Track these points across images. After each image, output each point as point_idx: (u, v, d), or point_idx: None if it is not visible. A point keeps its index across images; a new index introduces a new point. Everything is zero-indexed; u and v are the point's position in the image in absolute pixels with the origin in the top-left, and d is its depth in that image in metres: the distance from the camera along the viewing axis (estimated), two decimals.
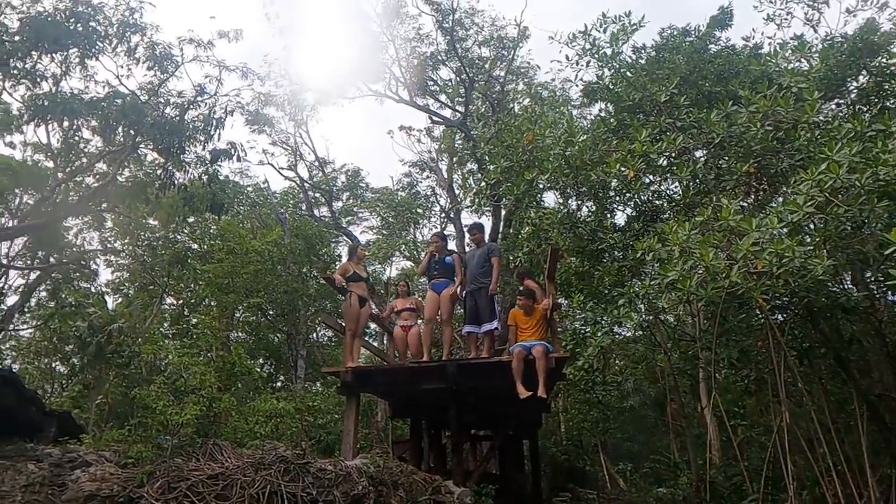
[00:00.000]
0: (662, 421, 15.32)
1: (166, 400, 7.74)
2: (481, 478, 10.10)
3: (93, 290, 19.57)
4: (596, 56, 10.34)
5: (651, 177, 9.75)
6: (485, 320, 9.18)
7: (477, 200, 11.74)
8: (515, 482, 12.22)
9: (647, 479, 14.15)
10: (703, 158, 9.58)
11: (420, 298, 11.01)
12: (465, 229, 11.10)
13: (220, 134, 9.87)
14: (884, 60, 8.88)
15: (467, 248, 12.41)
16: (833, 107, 9.84)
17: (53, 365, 22.41)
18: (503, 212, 17.59)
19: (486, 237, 11.15)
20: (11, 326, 21.09)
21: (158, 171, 10.49)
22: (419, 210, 22.00)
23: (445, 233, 21.91)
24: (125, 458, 7.44)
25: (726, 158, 9.05)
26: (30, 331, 21.53)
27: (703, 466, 11.01)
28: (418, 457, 11.20)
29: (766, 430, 10.09)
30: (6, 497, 6.79)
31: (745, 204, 8.99)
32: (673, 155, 9.08)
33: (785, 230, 6.73)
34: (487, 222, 17.54)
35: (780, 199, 7.77)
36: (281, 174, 24.17)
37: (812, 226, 7.41)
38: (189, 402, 7.72)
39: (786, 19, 10.16)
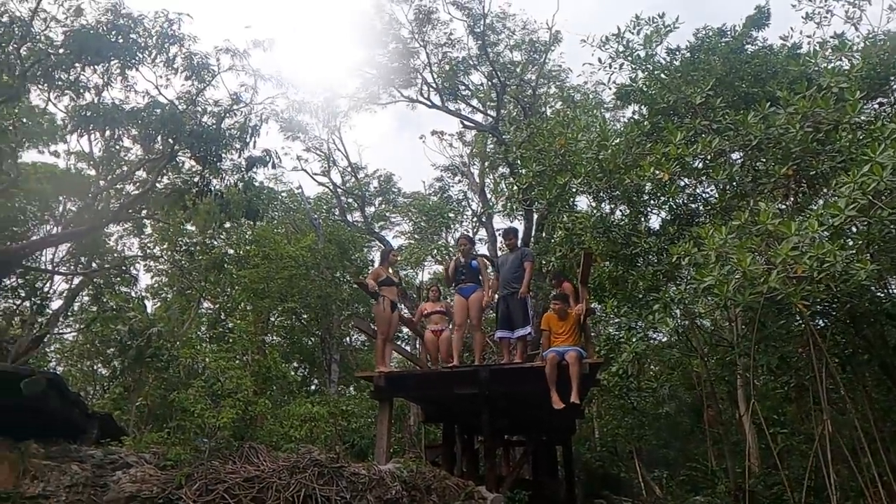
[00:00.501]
0: (699, 428, 15.03)
1: (204, 403, 7.86)
2: (514, 484, 10.05)
3: (133, 294, 20.00)
4: (629, 58, 10.25)
5: (686, 180, 9.61)
6: (518, 325, 9.13)
7: (509, 205, 11.69)
8: (549, 488, 12.12)
9: (683, 486, 13.89)
10: (739, 161, 9.42)
11: (450, 302, 11.00)
12: (499, 234, 11.06)
13: (255, 141, 10.07)
14: None
15: (500, 253, 12.31)
16: (876, 106, 9.59)
17: (95, 367, 22.92)
18: (535, 216, 17.50)
19: (519, 242, 11.07)
20: (56, 330, 21.73)
21: (196, 179, 10.71)
22: (451, 214, 22.03)
23: (477, 237, 21.93)
24: (164, 460, 7.57)
25: (764, 161, 8.88)
26: (73, 334, 22.12)
27: (742, 475, 10.78)
28: (451, 462, 11.19)
29: (807, 438, 9.85)
30: (51, 497, 6.96)
31: (783, 207, 8.80)
32: (708, 157, 8.95)
33: (826, 234, 6.57)
34: (520, 227, 17.46)
35: (821, 202, 7.58)
36: (314, 180, 24.48)
37: (854, 229, 7.20)
38: (226, 406, 7.84)
39: (825, 17, 9.92)
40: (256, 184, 13.47)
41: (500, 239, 10.93)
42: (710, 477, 12.90)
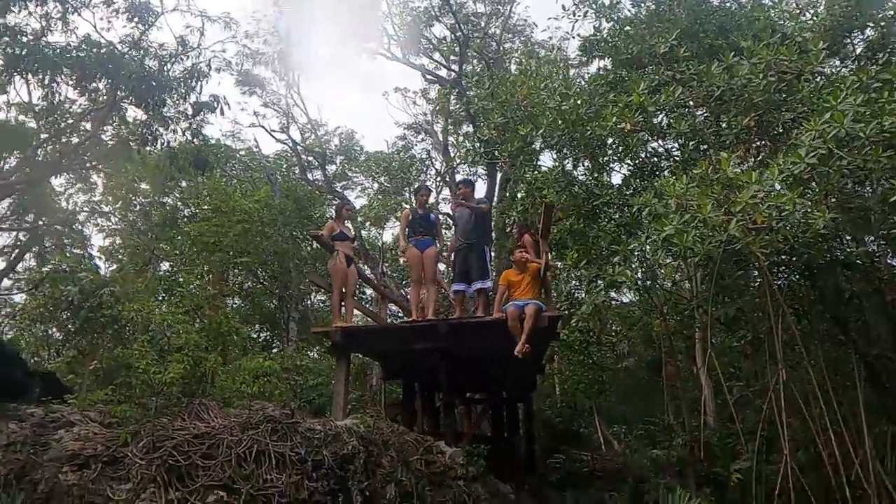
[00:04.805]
0: (658, 383, 15.27)
1: (150, 359, 7.56)
2: (474, 440, 10.02)
3: (84, 255, 19.33)
4: (594, 7, 10.01)
5: (649, 135, 9.48)
6: (475, 278, 8.97)
7: (470, 157, 11.44)
8: (509, 444, 12.18)
9: (641, 440, 14.12)
10: (702, 115, 9.34)
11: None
12: (456, 184, 10.81)
13: (202, 86, 9.57)
14: (889, 13, 8.58)
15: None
16: (837, 63, 9.55)
17: (49, 331, 22.26)
18: (499, 175, 17.29)
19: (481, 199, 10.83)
20: (3, 291, 20.95)
21: (141, 130, 10.19)
22: (413, 173, 21.66)
23: (440, 197, 21.64)
24: (110, 417, 7.30)
25: (727, 114, 8.80)
26: (21, 297, 21.38)
27: (698, 428, 10.95)
28: (411, 420, 11.13)
29: (761, 391, 10.00)
30: None
31: (744, 166, 8.76)
32: (671, 109, 8.83)
33: (785, 183, 6.51)
34: (482, 185, 17.24)
35: (781, 156, 7.50)
36: (273, 136, 23.76)
37: (814, 181, 7.17)
38: (173, 361, 7.55)
39: None
40: (212, 140, 12.97)
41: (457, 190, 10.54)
42: (667, 431, 13.12)
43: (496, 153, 12.27)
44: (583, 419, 15.69)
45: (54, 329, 21.85)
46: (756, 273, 8.96)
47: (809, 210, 6.30)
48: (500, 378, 11.22)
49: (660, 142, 9.99)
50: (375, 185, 22.54)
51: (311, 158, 23.23)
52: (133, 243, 18.92)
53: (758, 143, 9.06)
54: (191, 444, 6.99)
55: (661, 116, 9.19)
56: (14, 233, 18.38)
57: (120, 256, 21.40)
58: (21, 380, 8.02)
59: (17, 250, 18.61)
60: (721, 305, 8.72)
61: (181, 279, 10.71)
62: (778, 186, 6.61)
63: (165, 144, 9.80)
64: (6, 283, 20.67)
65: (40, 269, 19.18)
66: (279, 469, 7.01)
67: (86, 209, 19.21)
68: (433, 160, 22.34)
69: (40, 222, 16.66)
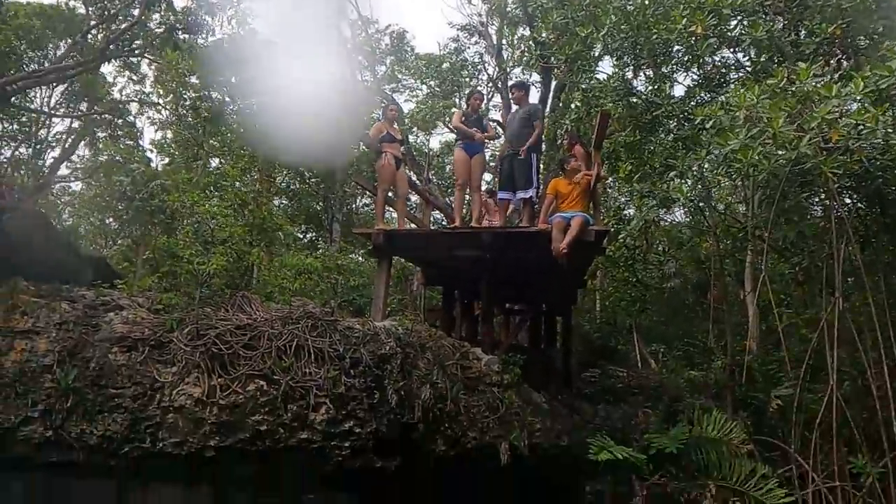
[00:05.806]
0: (701, 306, 14.98)
1: (194, 249, 7.65)
2: (510, 349, 10.04)
3: (136, 146, 19.63)
4: None
5: (719, 41, 8.78)
6: (520, 187, 8.68)
7: (524, 59, 10.86)
8: (545, 356, 12.22)
9: (679, 361, 14.01)
10: (781, 24, 8.58)
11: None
12: (509, 87, 10.28)
13: None
14: None
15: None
16: None
17: (107, 221, 23.01)
18: (553, 83, 16.51)
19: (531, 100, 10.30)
20: (63, 182, 21.61)
21: (188, 17, 9.93)
22: (465, 76, 20.87)
23: (490, 105, 20.91)
24: (156, 304, 7.49)
25: (809, 21, 8.05)
26: (78, 185, 22.00)
27: (740, 352, 10.74)
28: (449, 325, 11.20)
29: (809, 320, 9.66)
30: (42, 332, 6.95)
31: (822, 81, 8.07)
32: (749, 14, 8.11)
33: (869, 98, 5.96)
34: (535, 93, 16.45)
35: (868, 68, 6.83)
36: None
37: None
38: (217, 253, 7.63)
39: None
40: (257, 31, 12.58)
41: (510, 93, 10.01)
42: (707, 353, 12.95)
43: (552, 58, 11.63)
44: (621, 336, 15.61)
45: (110, 219, 22.62)
46: (820, 197, 8.46)
47: (892, 130, 5.81)
48: (541, 290, 11.10)
49: (730, 51, 9.28)
50: (424, 89, 21.84)
51: (360, 58, 22.58)
52: (183, 137, 19.02)
53: (839, 57, 8.34)
54: (233, 334, 7.17)
55: (734, 23, 8.48)
56: (68, 121, 18.66)
57: (171, 150, 21.66)
58: (74, 263, 8.25)
59: (71, 138, 18.95)
60: (779, 229, 8.30)
61: (227, 173, 10.71)
62: (856, 106, 6.09)
63: (211, 32, 9.58)
64: (63, 170, 21.31)
65: (95, 158, 19.62)
66: (318, 364, 7.15)
67: (135, 100, 19.26)
68: (486, 65, 21.45)
69: (93, 110, 16.82)
